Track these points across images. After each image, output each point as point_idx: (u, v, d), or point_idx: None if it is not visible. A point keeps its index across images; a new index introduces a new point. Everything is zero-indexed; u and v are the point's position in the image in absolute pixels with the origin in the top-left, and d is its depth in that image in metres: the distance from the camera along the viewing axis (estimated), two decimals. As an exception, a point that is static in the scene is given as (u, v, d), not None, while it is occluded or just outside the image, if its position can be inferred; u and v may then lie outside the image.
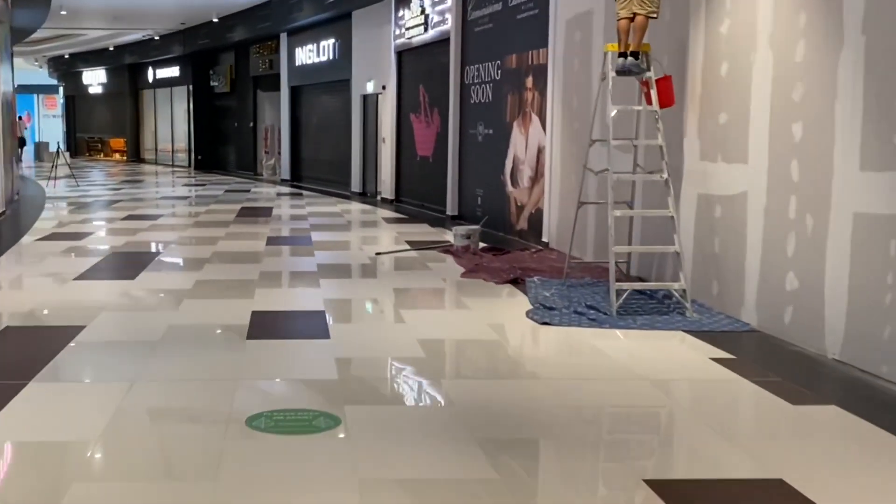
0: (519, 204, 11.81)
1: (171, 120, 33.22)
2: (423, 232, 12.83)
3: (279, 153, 24.70)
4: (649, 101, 7.72)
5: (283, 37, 23.20)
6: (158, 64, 32.49)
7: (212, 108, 29.63)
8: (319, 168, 22.01)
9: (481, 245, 10.67)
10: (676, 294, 7.28)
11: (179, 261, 10.29)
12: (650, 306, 7.44)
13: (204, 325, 6.85)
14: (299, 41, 22.32)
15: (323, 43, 20.90)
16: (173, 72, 31.59)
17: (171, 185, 23.58)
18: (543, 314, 7.12)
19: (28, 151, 38.03)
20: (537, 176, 11.26)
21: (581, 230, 9.87)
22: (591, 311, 7.20)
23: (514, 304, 7.76)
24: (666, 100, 7.66)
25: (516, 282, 8.63)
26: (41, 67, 43.63)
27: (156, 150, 35.05)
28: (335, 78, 20.31)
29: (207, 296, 8.12)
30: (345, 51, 19.62)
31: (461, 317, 7.30)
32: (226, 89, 28.17)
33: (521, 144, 11.73)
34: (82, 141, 40.98)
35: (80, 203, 17.33)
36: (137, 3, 23.15)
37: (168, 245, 11.43)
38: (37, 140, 55.13)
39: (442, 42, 14.62)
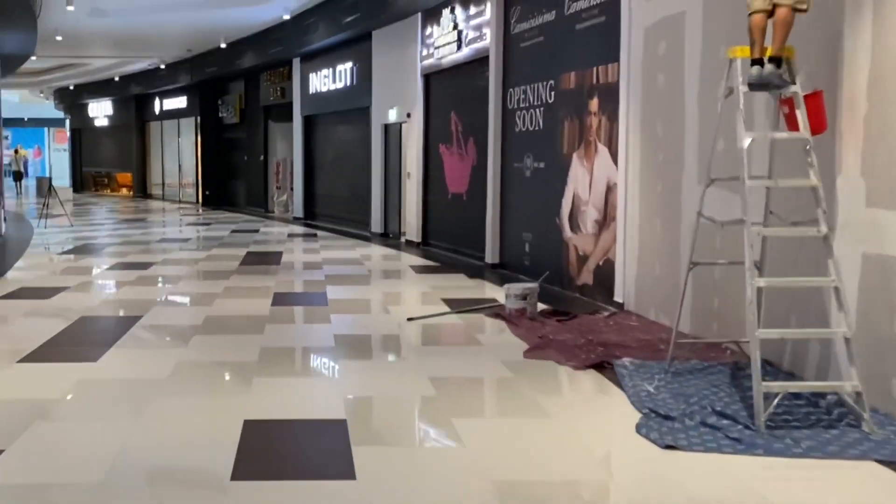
0: (581, 253, 9.69)
1: (178, 153, 31.36)
2: (461, 286, 10.71)
3: (291, 189, 22.70)
4: (793, 126, 5.61)
5: (296, 62, 21.27)
6: (165, 94, 30.67)
7: (220, 140, 27.71)
8: (336, 205, 19.96)
9: (539, 306, 8.53)
10: (847, 397, 5.12)
11: (162, 330, 8.18)
12: (804, 412, 5.28)
13: (172, 451, 4.71)
14: (313, 66, 20.37)
15: (339, 67, 18.92)
16: (180, 102, 29.76)
17: (173, 225, 21.55)
18: (662, 429, 4.95)
19: (30, 186, 36.30)
20: (606, 220, 9.15)
21: (670, 289, 7.76)
22: (726, 423, 5.05)
23: (608, 402, 5.64)
24: (818, 123, 5.54)
25: (601, 365, 6.50)
26: (48, 99, 42.00)
27: (163, 184, 33.15)
28: (353, 106, 18.30)
29: (187, 390, 6.01)
30: (364, 75, 17.63)
31: (542, 431, 5.11)
32: (235, 120, 26.23)
33: (583, 181, 9.63)
34: (88, 175, 39.18)
35: (68, 247, 15.29)
36: (140, 28, 21.29)
37: (153, 306, 9.33)
38: (47, 174, 53.73)
39: (479, 61, 12.58)
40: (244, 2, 18.08)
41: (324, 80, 19.85)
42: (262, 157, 24.60)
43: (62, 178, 44.11)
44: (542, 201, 10.64)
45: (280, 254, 14.11)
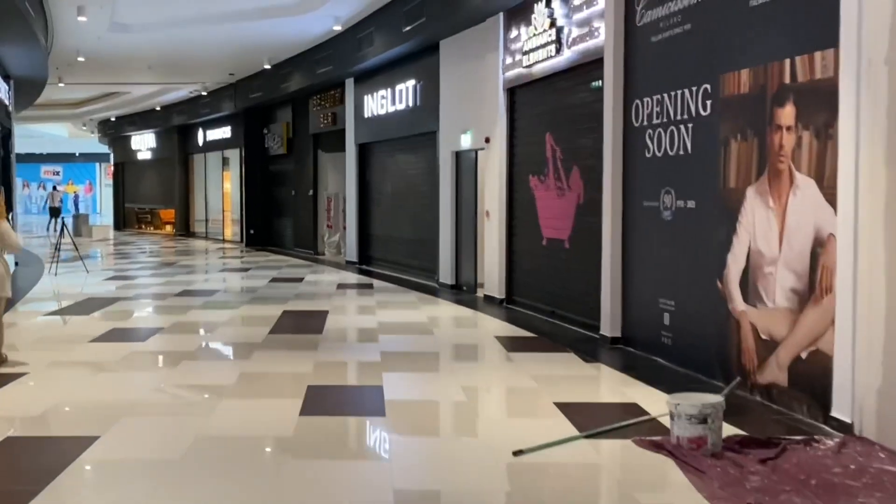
0: (765, 336, 6.45)
1: (221, 188, 28.66)
2: (577, 376, 7.55)
3: (344, 228, 19.73)
4: None
5: (349, 83, 18.36)
6: (209, 125, 28.07)
7: (266, 173, 24.92)
8: (395, 249, 16.90)
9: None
10: None
11: (115, 472, 5.09)
12: None
13: None
14: (369, 87, 17.43)
15: (400, 86, 15.94)
16: (224, 133, 27.10)
17: (205, 271, 18.60)
18: None
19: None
20: (813, 289, 5.92)
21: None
22: None
23: None
24: None
25: None
26: (91, 132, 39.91)
27: (206, 221, 30.47)
28: (417, 131, 15.29)
29: None
30: (430, 94, 14.62)
31: None
32: (282, 150, 23.39)
33: (766, 228, 6.42)
34: (131, 212, 36.72)
35: (63, 305, 12.40)
36: (173, 48, 18.64)
37: (123, 416, 6.26)
38: (98, 210, 51.84)
39: (587, 66, 9.48)
40: (287, 12, 15.30)
41: (381, 102, 16.89)
42: (311, 192, 21.69)
43: (107, 215, 41.93)
44: (691, 256, 7.45)
45: (325, 315, 11.03)
